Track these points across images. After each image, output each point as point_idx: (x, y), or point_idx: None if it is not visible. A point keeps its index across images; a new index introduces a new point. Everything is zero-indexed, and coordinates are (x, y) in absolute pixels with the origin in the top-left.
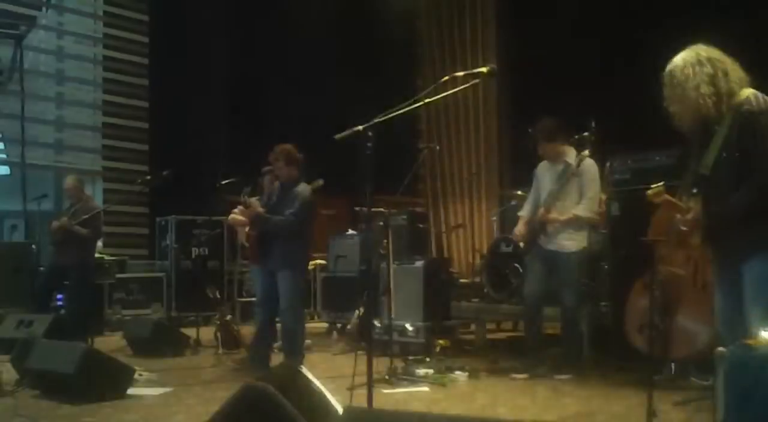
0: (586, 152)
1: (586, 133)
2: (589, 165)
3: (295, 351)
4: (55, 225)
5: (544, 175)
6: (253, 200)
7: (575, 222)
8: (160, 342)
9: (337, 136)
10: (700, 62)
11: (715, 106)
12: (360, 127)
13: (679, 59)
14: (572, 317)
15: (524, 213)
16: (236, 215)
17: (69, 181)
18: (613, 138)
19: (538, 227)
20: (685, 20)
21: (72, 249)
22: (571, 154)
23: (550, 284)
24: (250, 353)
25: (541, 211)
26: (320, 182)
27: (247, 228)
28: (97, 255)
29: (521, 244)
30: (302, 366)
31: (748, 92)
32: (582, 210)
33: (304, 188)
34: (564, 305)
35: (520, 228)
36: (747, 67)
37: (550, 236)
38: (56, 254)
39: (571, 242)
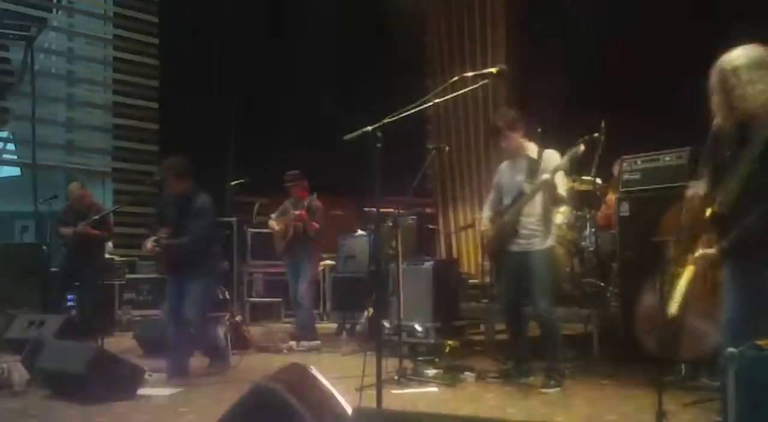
0: (532, 144)
1: (596, 134)
2: (552, 152)
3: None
4: (68, 232)
5: (504, 172)
6: (161, 239)
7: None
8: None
9: (346, 137)
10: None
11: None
12: (369, 128)
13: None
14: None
15: (486, 215)
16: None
17: (75, 189)
18: (623, 138)
19: (510, 229)
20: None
21: (89, 252)
22: (532, 149)
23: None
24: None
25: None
26: None
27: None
28: (107, 255)
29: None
30: (311, 367)
31: None
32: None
33: (204, 201)
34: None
35: (489, 232)
36: None
37: (522, 237)
38: (70, 258)
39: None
